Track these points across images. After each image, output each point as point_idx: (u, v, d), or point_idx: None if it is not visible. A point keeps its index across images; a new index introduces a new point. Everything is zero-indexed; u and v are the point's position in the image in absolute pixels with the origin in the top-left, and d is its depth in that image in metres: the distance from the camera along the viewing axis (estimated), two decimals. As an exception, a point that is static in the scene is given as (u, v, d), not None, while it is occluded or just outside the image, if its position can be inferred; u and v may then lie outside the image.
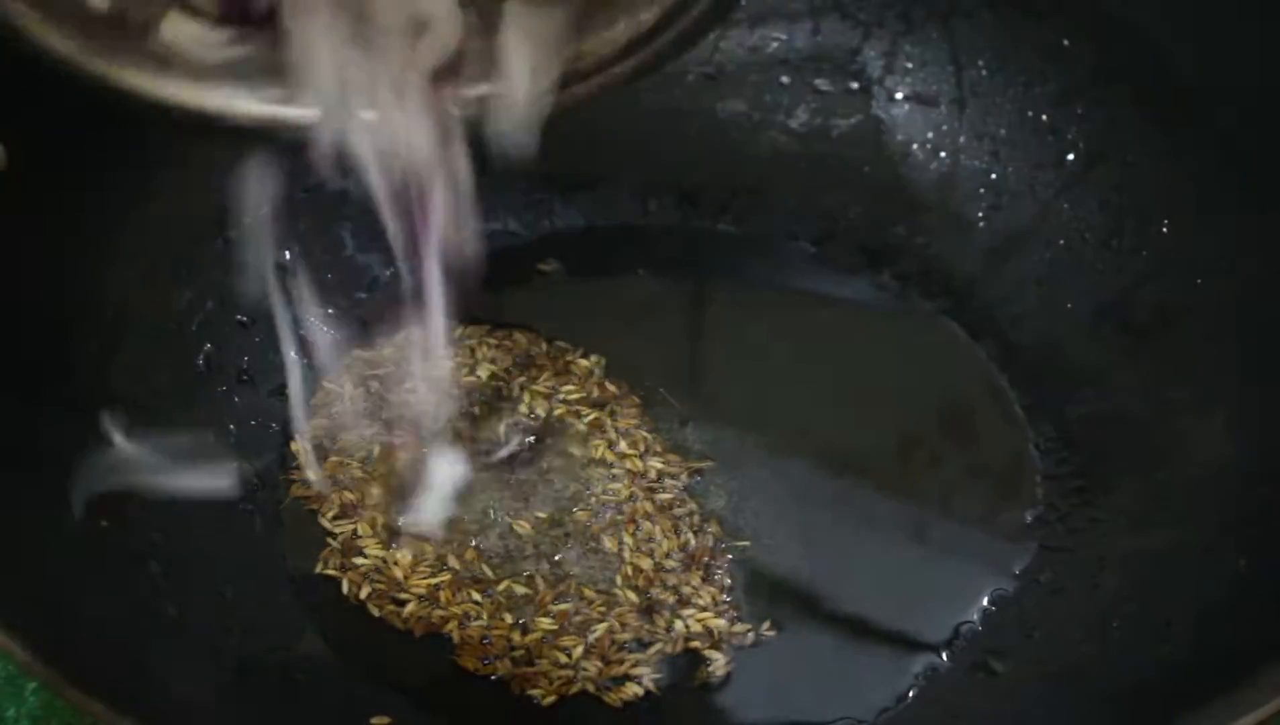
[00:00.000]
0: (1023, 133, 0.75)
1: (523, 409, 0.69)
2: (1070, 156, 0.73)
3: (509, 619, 0.61)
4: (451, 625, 0.61)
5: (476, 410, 0.69)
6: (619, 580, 0.63)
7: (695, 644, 0.61)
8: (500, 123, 0.48)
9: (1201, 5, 0.67)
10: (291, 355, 0.66)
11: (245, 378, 0.69)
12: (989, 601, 0.62)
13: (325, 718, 0.57)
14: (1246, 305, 0.63)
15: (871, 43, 0.78)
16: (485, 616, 0.61)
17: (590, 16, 0.49)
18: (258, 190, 0.60)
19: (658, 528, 0.64)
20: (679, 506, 0.66)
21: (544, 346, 0.72)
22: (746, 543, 0.65)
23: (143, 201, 0.67)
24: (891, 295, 0.75)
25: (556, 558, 0.63)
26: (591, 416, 0.69)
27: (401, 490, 0.66)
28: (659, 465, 0.67)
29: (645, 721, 0.59)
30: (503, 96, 0.47)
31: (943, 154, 0.77)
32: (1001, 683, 0.58)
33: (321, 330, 0.71)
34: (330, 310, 0.72)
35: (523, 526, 0.64)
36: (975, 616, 0.62)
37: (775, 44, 0.79)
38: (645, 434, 0.68)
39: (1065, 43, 0.72)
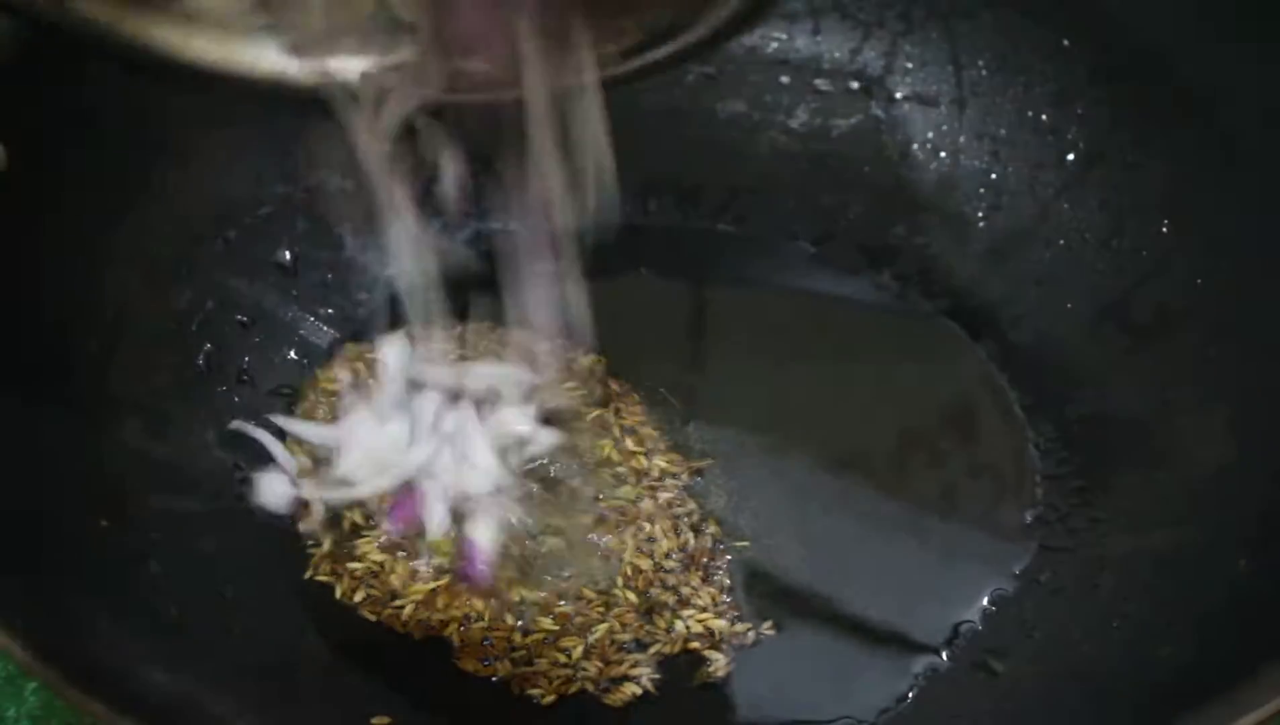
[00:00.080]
0: (1023, 133, 0.75)
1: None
2: (1070, 156, 0.73)
3: (510, 621, 0.61)
4: (452, 628, 0.61)
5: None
6: (619, 581, 0.63)
7: (695, 644, 0.61)
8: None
9: (1201, 5, 0.67)
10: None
11: (245, 378, 0.69)
12: (989, 601, 0.62)
13: (325, 718, 0.57)
14: (1246, 305, 0.63)
15: (871, 43, 0.78)
16: (487, 618, 0.61)
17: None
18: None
19: (658, 527, 0.65)
20: (678, 505, 0.66)
21: (545, 345, 0.72)
22: (746, 543, 0.65)
23: (143, 201, 0.67)
24: (891, 295, 0.76)
25: (560, 558, 0.64)
26: (595, 414, 0.68)
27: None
28: (662, 464, 0.67)
29: (645, 721, 0.59)
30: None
31: (943, 154, 0.77)
32: (1001, 683, 0.58)
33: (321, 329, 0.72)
34: (330, 310, 0.73)
35: (529, 526, 0.64)
36: (975, 616, 0.62)
37: (775, 44, 0.79)
38: (651, 431, 0.69)
39: (1065, 43, 0.72)
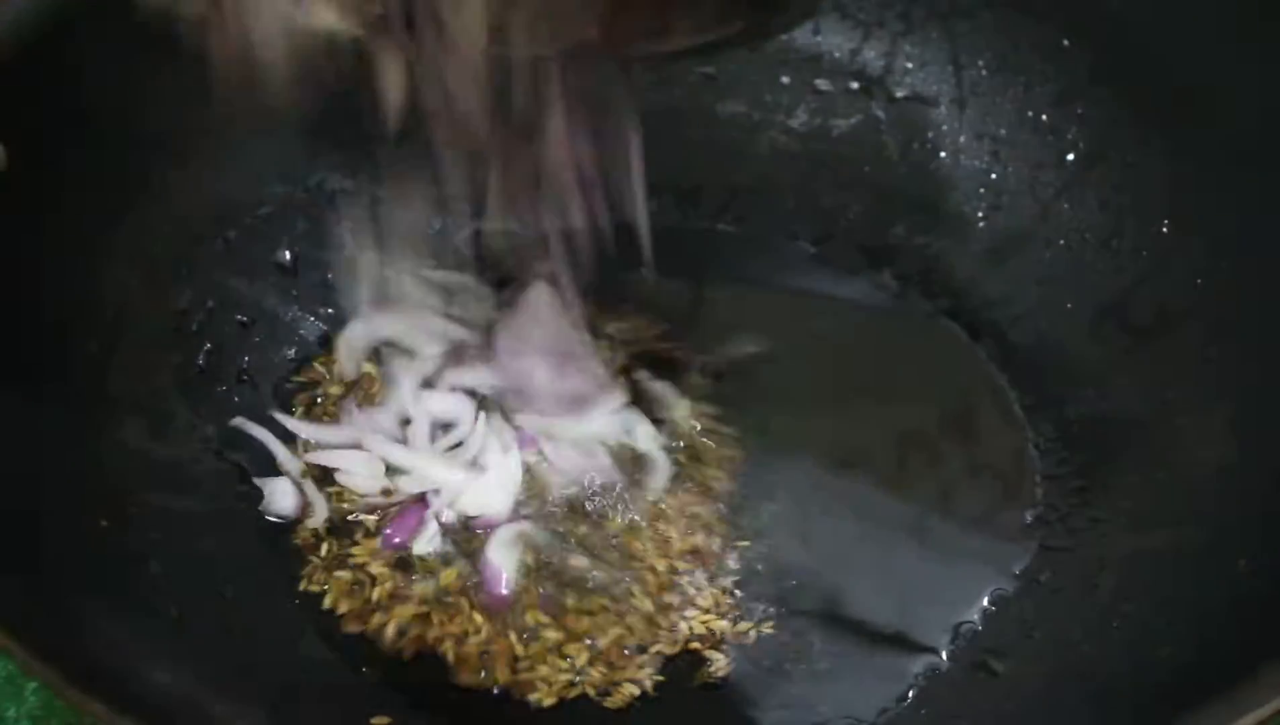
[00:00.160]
0: (1023, 133, 0.75)
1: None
2: (1070, 156, 0.73)
3: (512, 638, 0.61)
4: (447, 646, 0.61)
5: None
6: (636, 589, 0.62)
7: (696, 645, 0.61)
8: None
9: (1201, 5, 0.67)
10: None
11: (245, 378, 0.69)
12: (989, 601, 0.62)
13: (325, 718, 0.57)
14: (1246, 305, 0.63)
15: (871, 43, 0.78)
16: (484, 635, 0.61)
17: None
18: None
19: (673, 529, 0.64)
20: (694, 506, 0.65)
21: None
22: (747, 542, 0.65)
23: (143, 201, 0.67)
24: (891, 295, 0.75)
25: (583, 575, 0.63)
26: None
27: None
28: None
29: (644, 722, 0.59)
30: None
31: (943, 154, 0.77)
32: (1001, 683, 0.58)
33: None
34: (330, 310, 0.73)
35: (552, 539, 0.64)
36: (975, 616, 0.62)
37: (775, 44, 0.79)
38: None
39: (1065, 43, 0.72)
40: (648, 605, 0.62)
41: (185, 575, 0.59)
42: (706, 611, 0.62)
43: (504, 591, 0.62)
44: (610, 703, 0.59)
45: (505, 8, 0.51)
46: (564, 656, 0.60)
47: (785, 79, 0.79)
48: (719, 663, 0.60)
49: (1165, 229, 0.68)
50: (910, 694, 0.59)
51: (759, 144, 0.80)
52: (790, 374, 0.72)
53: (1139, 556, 0.60)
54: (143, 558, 0.58)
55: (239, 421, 0.67)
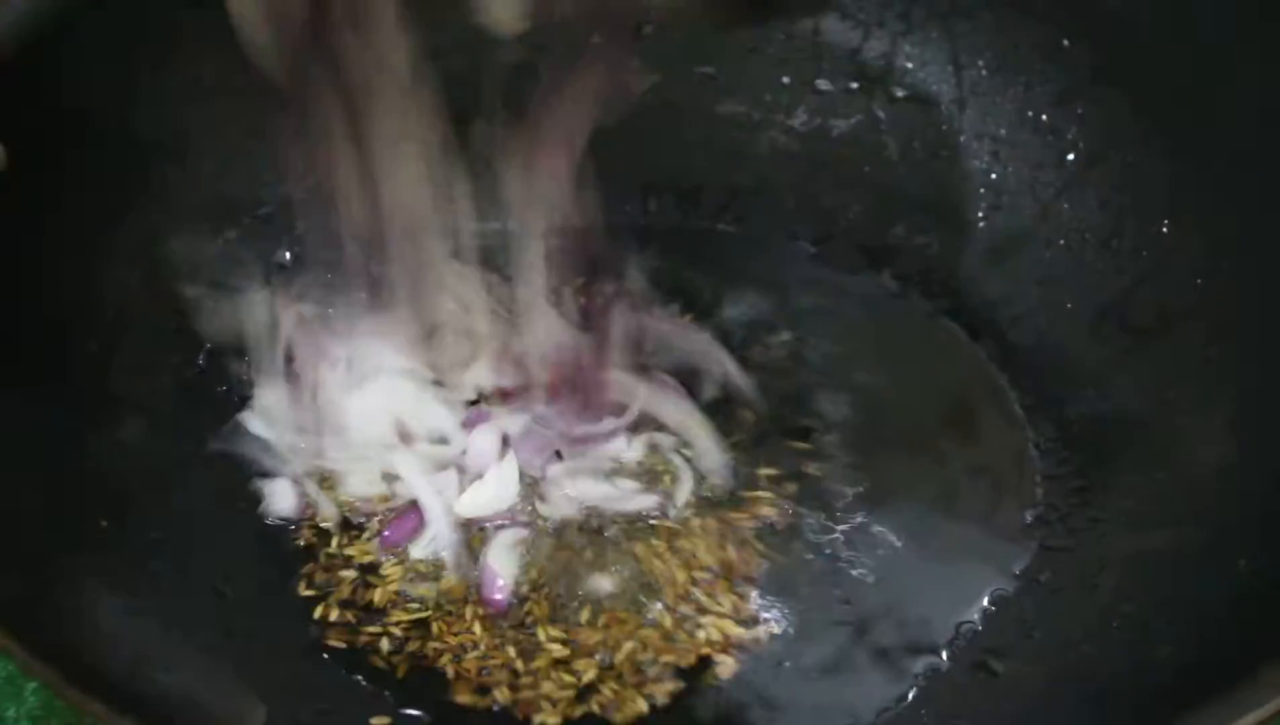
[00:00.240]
0: (1023, 133, 0.75)
1: None
2: (1070, 156, 0.73)
3: (511, 652, 0.60)
4: (445, 660, 0.60)
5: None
6: (658, 607, 0.61)
7: (707, 650, 0.60)
8: None
9: (1201, 5, 0.67)
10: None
11: (245, 378, 0.69)
12: (989, 601, 0.62)
13: (325, 718, 0.57)
14: (1246, 305, 0.63)
15: (871, 43, 0.78)
16: (483, 648, 0.60)
17: None
18: None
19: (701, 543, 0.63)
20: (735, 523, 0.65)
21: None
22: (784, 558, 0.63)
23: (143, 201, 0.67)
24: (891, 295, 0.75)
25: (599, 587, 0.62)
26: None
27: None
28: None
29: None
30: None
31: (943, 154, 0.77)
32: (1001, 683, 0.58)
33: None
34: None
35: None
36: (975, 616, 0.62)
37: (775, 44, 0.79)
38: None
39: (1065, 43, 0.72)
40: (667, 620, 0.61)
41: (185, 575, 0.59)
42: (723, 617, 0.61)
43: (501, 597, 0.61)
44: (619, 717, 0.58)
45: None
46: (571, 672, 0.59)
47: (785, 79, 0.79)
48: (726, 665, 0.60)
49: (1165, 229, 0.68)
50: (910, 694, 0.59)
51: (759, 144, 0.79)
52: (789, 374, 0.72)
53: (1139, 556, 0.60)
54: (143, 558, 0.58)
55: (240, 417, 0.67)
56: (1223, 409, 0.62)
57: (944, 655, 0.60)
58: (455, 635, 0.61)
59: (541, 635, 0.60)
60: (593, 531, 0.64)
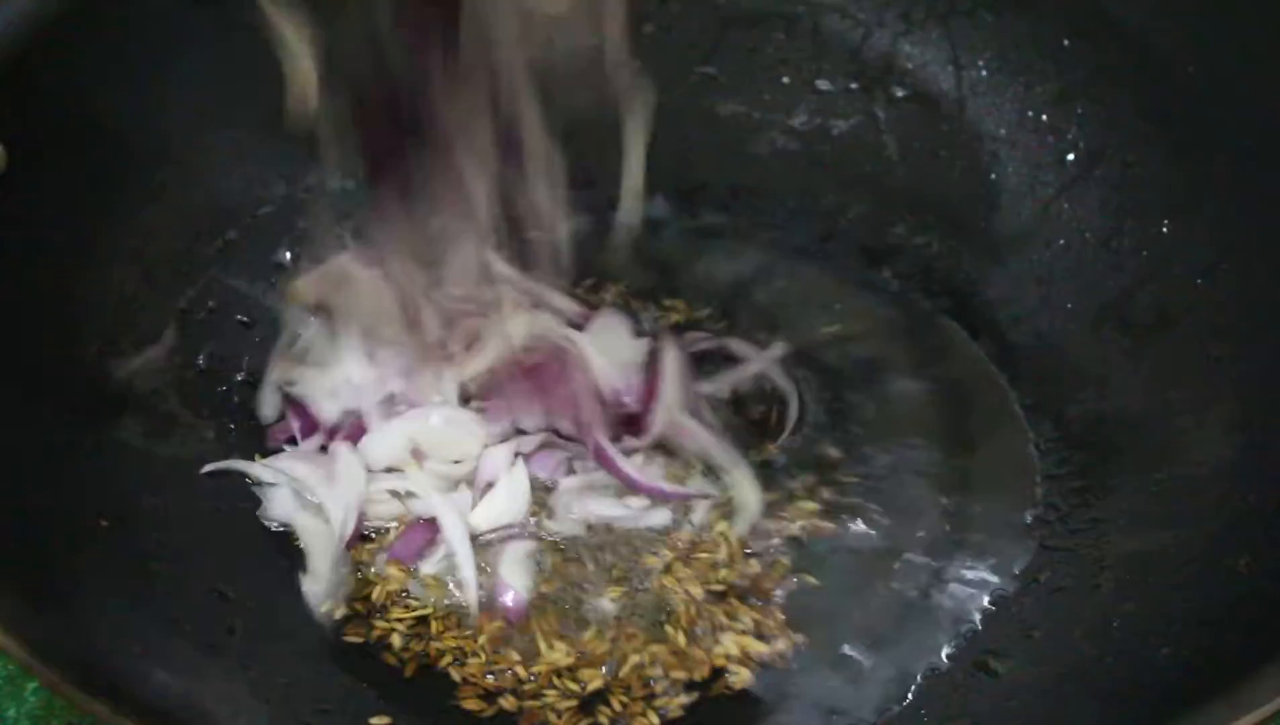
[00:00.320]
0: (1023, 133, 0.75)
1: None
2: (1070, 156, 0.73)
3: (515, 656, 0.60)
4: (447, 661, 0.60)
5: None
6: (670, 625, 0.61)
7: (722, 662, 0.60)
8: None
9: (1201, 5, 0.67)
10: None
11: (245, 378, 0.69)
12: (989, 601, 0.62)
13: (326, 717, 0.57)
14: (1246, 305, 0.63)
15: (871, 43, 0.78)
16: (485, 655, 0.60)
17: None
18: None
19: (723, 553, 0.63)
20: (760, 540, 0.64)
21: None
22: (813, 579, 0.63)
23: (143, 201, 0.67)
24: (891, 295, 0.75)
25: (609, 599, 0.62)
26: None
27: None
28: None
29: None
30: None
31: (943, 154, 0.77)
32: (1001, 683, 0.58)
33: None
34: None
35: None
36: (975, 616, 0.62)
37: (775, 44, 0.79)
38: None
39: (1065, 43, 0.72)
40: (680, 639, 0.60)
41: (185, 575, 0.59)
42: (743, 633, 0.60)
43: (512, 604, 0.61)
44: (628, 732, 0.58)
45: None
46: (576, 680, 0.59)
47: (785, 79, 0.79)
48: (741, 676, 0.59)
49: (1165, 229, 0.68)
50: (910, 694, 0.59)
51: (759, 144, 0.80)
52: (789, 374, 0.71)
53: (1139, 556, 0.60)
54: (143, 558, 0.58)
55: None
56: (1223, 409, 0.62)
57: (944, 655, 0.60)
58: (455, 639, 0.60)
59: (543, 643, 0.60)
60: (602, 547, 0.64)
